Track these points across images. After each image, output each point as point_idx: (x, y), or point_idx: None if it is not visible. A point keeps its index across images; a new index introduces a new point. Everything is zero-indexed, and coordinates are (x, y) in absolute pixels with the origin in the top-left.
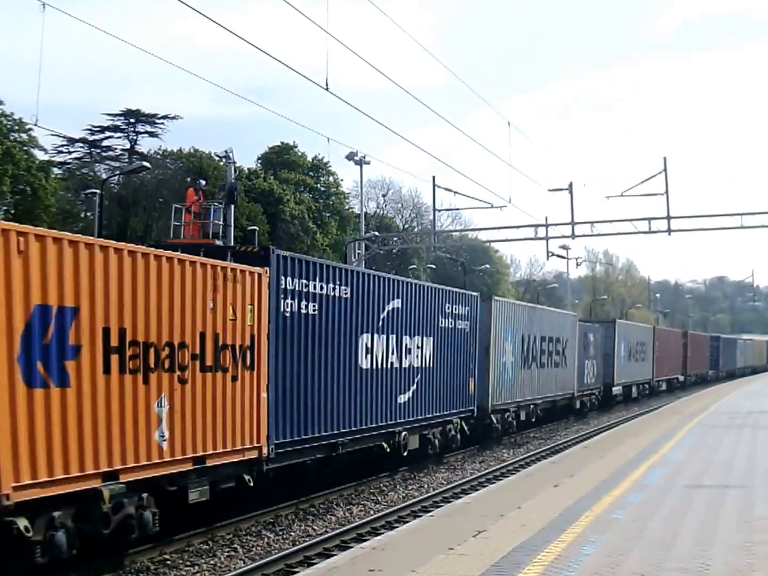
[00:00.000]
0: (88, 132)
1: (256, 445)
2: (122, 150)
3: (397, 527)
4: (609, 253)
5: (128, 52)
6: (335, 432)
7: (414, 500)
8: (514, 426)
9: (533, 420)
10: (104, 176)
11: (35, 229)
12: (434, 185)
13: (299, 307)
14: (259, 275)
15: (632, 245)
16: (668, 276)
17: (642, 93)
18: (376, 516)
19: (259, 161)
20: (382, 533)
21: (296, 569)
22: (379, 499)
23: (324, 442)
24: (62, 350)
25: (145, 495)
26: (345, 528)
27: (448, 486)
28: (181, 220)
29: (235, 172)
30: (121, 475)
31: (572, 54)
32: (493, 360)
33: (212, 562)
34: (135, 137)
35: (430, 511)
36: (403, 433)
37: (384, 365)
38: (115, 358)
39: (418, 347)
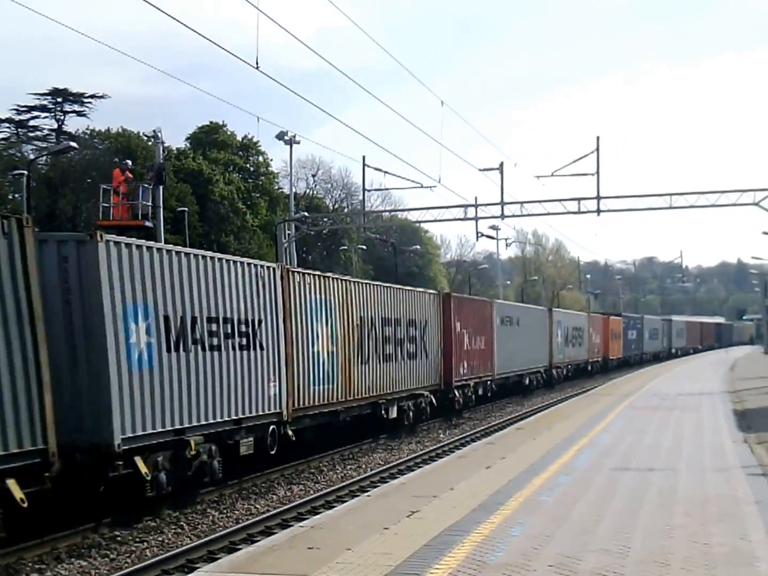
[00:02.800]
0: (15, 112)
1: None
2: (49, 130)
3: (335, 507)
4: (538, 234)
5: (53, 29)
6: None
7: (352, 480)
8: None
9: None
10: (32, 157)
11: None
12: (364, 165)
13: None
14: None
15: (562, 226)
16: (598, 257)
17: (576, 74)
18: (315, 495)
19: (188, 141)
20: (321, 512)
21: (239, 546)
22: (319, 478)
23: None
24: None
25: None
26: (286, 507)
27: (386, 466)
28: (110, 201)
29: (164, 152)
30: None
31: (508, 36)
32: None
33: (160, 538)
34: (62, 117)
35: (367, 491)
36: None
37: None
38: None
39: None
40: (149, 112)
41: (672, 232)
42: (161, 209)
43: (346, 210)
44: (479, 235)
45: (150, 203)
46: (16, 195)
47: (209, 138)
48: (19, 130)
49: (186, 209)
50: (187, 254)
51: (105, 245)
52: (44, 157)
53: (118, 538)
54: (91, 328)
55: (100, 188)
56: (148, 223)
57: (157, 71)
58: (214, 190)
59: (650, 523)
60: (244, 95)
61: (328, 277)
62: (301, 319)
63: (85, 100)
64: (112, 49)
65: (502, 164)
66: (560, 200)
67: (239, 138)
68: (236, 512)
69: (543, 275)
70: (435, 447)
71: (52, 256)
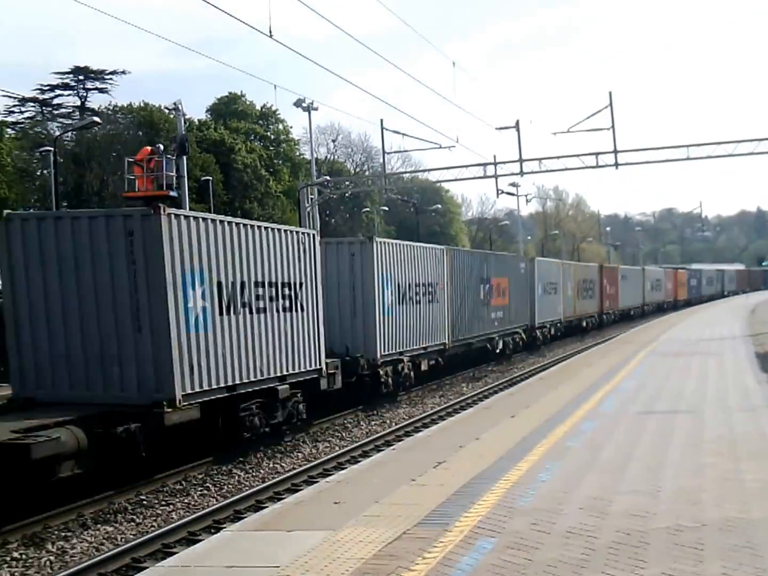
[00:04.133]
0: (38, 91)
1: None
2: (73, 107)
3: (361, 461)
4: (558, 189)
5: (70, 8)
6: None
7: (377, 435)
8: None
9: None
10: (57, 134)
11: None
12: (382, 128)
13: None
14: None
15: (581, 181)
16: (618, 210)
17: (587, 28)
18: (341, 452)
19: (209, 112)
20: (347, 467)
21: (266, 504)
22: (344, 435)
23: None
24: None
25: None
26: (312, 464)
27: (410, 420)
28: (134, 173)
29: (185, 123)
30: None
31: None
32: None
33: (186, 500)
34: (85, 94)
35: (392, 445)
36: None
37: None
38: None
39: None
40: (168, 87)
41: (691, 183)
42: (185, 179)
43: (367, 173)
44: (499, 192)
45: (174, 173)
46: (45, 171)
47: (229, 108)
48: (44, 108)
49: (210, 178)
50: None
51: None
52: (69, 134)
53: (144, 502)
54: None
55: (125, 161)
56: (172, 193)
57: (174, 45)
58: (236, 159)
59: (679, 463)
60: (260, 66)
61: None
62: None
63: (106, 76)
64: (129, 25)
65: (518, 122)
66: (578, 155)
67: (258, 107)
68: (262, 471)
69: (563, 230)
70: (458, 400)
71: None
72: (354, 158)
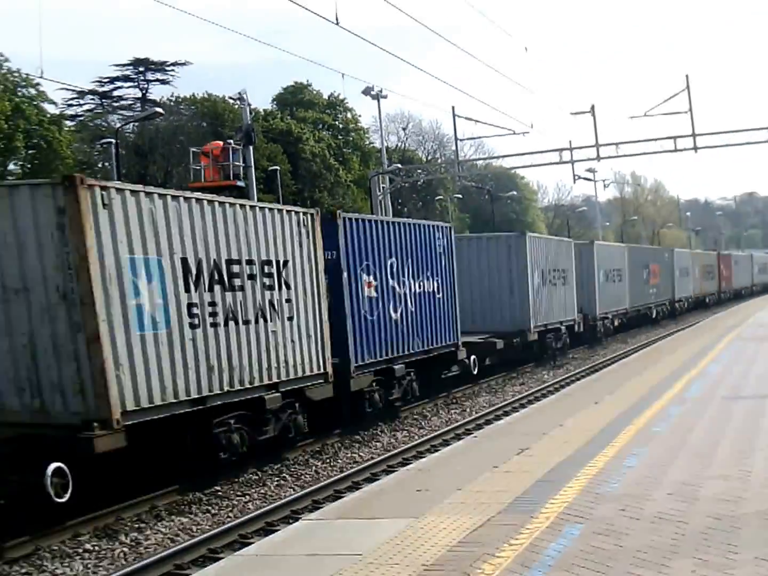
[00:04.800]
0: (98, 84)
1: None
2: (134, 99)
3: (441, 450)
4: (636, 174)
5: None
6: None
7: (456, 424)
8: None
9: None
10: (118, 126)
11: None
12: (454, 115)
13: None
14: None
15: (659, 165)
16: (697, 194)
17: (663, 12)
18: (420, 440)
19: (274, 102)
20: (427, 456)
21: (344, 494)
22: (423, 424)
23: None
24: None
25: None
26: (391, 453)
27: (490, 408)
28: (201, 164)
29: (251, 113)
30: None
31: None
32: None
33: (262, 491)
34: (146, 86)
35: (472, 433)
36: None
37: None
38: None
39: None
40: (232, 78)
41: None
42: (252, 169)
43: (439, 161)
44: (576, 178)
45: (241, 163)
46: (106, 163)
47: (295, 98)
48: (104, 101)
49: (277, 168)
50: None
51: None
52: (131, 126)
53: (219, 493)
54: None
55: (190, 152)
56: (239, 183)
57: (237, 36)
58: (304, 148)
59: None
60: (326, 54)
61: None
62: None
63: (168, 68)
64: (192, 17)
65: (593, 107)
66: (655, 139)
67: (325, 96)
68: (339, 461)
69: (642, 215)
70: (539, 387)
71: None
72: (425, 146)
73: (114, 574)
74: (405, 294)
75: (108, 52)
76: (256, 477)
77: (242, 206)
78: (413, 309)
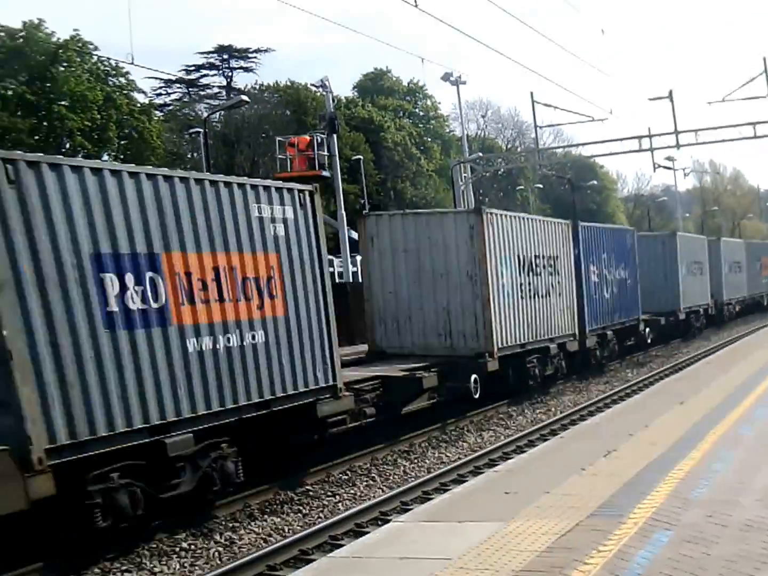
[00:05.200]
0: (184, 72)
1: None
2: (219, 87)
3: (528, 450)
4: (715, 163)
5: None
6: None
7: (542, 424)
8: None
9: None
10: (205, 115)
11: None
12: (533, 101)
13: None
14: None
15: (738, 153)
16: None
17: None
18: (506, 441)
19: (355, 89)
20: (513, 457)
21: (432, 495)
22: (508, 423)
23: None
24: None
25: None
26: (477, 454)
27: (575, 408)
28: (286, 154)
29: (333, 101)
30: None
31: None
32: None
33: (352, 491)
34: (230, 74)
35: (558, 434)
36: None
37: None
38: None
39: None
40: (312, 63)
41: None
42: (337, 158)
43: (519, 149)
44: (656, 166)
45: (326, 152)
46: (195, 153)
47: (375, 85)
48: (191, 89)
49: (360, 157)
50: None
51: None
52: (217, 115)
53: (311, 493)
54: None
55: (276, 141)
56: (325, 173)
57: (316, 20)
58: (386, 137)
59: None
60: (405, 38)
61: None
62: None
63: (251, 55)
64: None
65: (671, 92)
66: (735, 126)
67: (405, 83)
68: (427, 461)
69: (722, 206)
70: (623, 387)
71: None
72: (505, 134)
73: (209, 574)
74: (612, 280)
75: (195, 40)
76: (346, 477)
77: (542, 222)
78: (615, 291)
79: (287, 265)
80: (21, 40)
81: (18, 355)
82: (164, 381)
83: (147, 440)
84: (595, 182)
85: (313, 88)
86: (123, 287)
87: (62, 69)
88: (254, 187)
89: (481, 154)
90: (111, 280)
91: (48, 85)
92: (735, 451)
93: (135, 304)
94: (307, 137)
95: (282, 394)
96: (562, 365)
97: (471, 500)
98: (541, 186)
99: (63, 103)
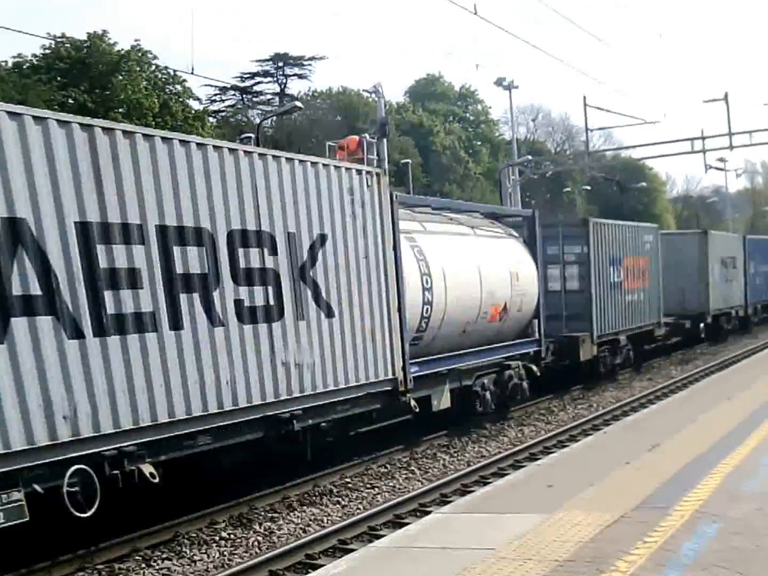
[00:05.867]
0: (239, 80)
1: None
2: (272, 94)
3: (570, 445)
4: (767, 164)
5: None
6: None
7: (584, 419)
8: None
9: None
10: (258, 121)
11: None
12: (585, 105)
13: None
14: None
15: None
16: None
17: None
18: (547, 435)
19: (407, 94)
20: (555, 451)
21: (472, 489)
22: (549, 419)
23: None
24: None
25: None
26: (518, 448)
27: (618, 404)
28: (336, 157)
29: (385, 106)
30: None
31: None
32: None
33: (391, 483)
34: (284, 80)
35: (601, 429)
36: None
37: None
38: None
39: None
40: (367, 70)
41: None
42: (386, 162)
43: (568, 152)
44: (707, 167)
45: (375, 157)
46: None
47: (427, 90)
48: (245, 96)
49: (409, 161)
50: None
51: None
52: (270, 120)
53: (350, 485)
54: None
55: (327, 146)
56: None
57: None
58: (435, 141)
59: None
60: (462, 43)
61: None
62: None
63: (305, 62)
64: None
65: (726, 94)
66: None
67: (456, 88)
68: (467, 455)
69: None
70: (667, 383)
71: None
72: (554, 137)
73: (248, 562)
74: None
75: (252, 48)
76: (385, 470)
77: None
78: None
79: None
80: (85, 51)
81: None
82: None
83: None
84: (644, 184)
85: (366, 94)
86: None
87: (121, 78)
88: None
89: (530, 157)
90: None
91: (107, 93)
92: None
93: None
94: (356, 137)
95: None
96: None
97: (512, 493)
98: (588, 188)
99: (120, 110)
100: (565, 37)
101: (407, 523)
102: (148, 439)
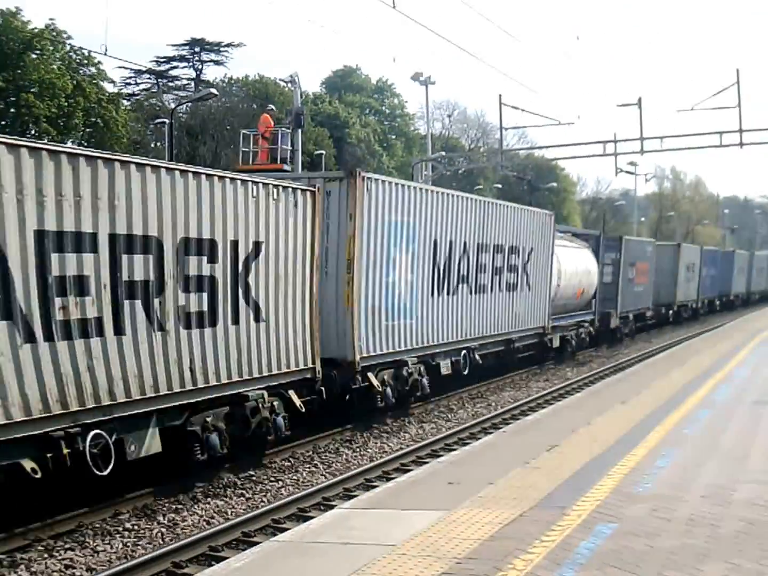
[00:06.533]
0: (155, 63)
1: None
2: (188, 80)
3: (471, 443)
4: (677, 170)
5: None
6: None
7: (483, 417)
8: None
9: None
10: (172, 106)
11: None
12: (500, 103)
13: None
14: None
15: (702, 161)
16: (738, 192)
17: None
18: (448, 433)
19: (324, 85)
20: (456, 449)
21: (375, 483)
22: (449, 417)
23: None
24: None
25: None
26: (419, 444)
27: (516, 404)
28: (250, 146)
29: (301, 96)
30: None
31: None
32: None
33: (295, 477)
34: (200, 66)
35: (500, 428)
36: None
37: None
38: None
39: None
40: (284, 60)
41: None
42: (299, 153)
43: (482, 149)
44: (618, 170)
45: (289, 147)
46: (158, 143)
47: (344, 82)
48: (159, 80)
49: (323, 152)
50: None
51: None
52: (184, 106)
53: (254, 478)
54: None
55: (240, 134)
56: (286, 167)
57: (290, 15)
58: (350, 133)
59: None
60: (379, 36)
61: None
62: None
63: (222, 48)
64: None
65: (640, 99)
66: (701, 134)
67: (374, 81)
68: (369, 451)
69: (679, 211)
70: (564, 384)
71: None
72: (469, 134)
73: (152, 553)
74: None
75: (167, 32)
76: (289, 463)
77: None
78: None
79: None
80: None
81: None
82: None
83: None
84: (555, 184)
85: (282, 84)
86: None
87: (34, 57)
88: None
89: (444, 153)
90: None
91: (19, 72)
92: (679, 449)
93: None
94: (268, 116)
95: None
96: None
97: (415, 489)
98: (500, 186)
99: (33, 90)
100: (484, 36)
101: (311, 517)
102: None
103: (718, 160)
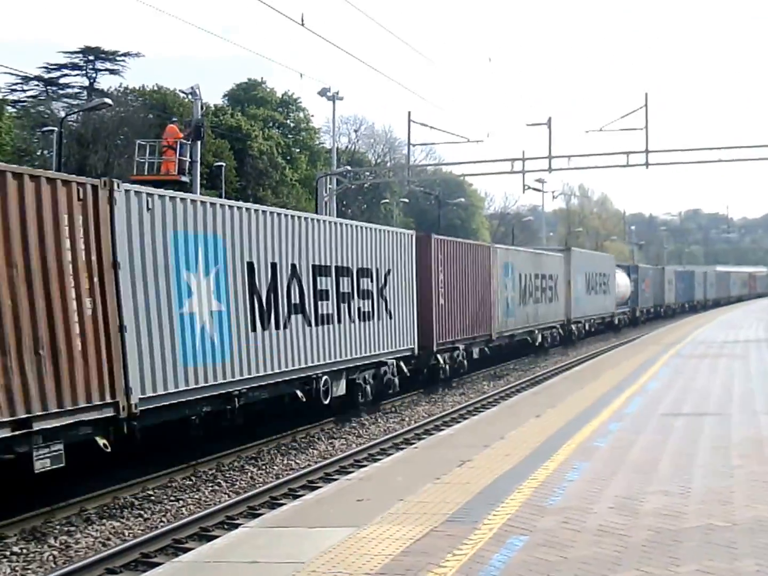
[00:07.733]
0: (44, 70)
1: None
2: (80, 88)
3: (381, 459)
4: (584, 187)
5: None
6: None
7: (396, 433)
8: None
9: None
10: (62, 114)
11: None
12: (409, 120)
13: None
14: None
15: (610, 179)
16: (643, 209)
17: (625, 26)
18: (358, 449)
19: (226, 98)
20: (367, 465)
21: (282, 501)
22: (361, 432)
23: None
24: None
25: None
26: (328, 461)
27: (430, 419)
28: (146, 156)
29: (202, 108)
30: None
31: None
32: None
33: (196, 496)
34: (94, 75)
35: (412, 443)
36: None
37: None
38: None
39: None
40: (187, 72)
41: (718, 185)
42: (198, 164)
43: (389, 164)
44: (525, 187)
45: (187, 158)
46: (45, 151)
47: (248, 95)
48: (49, 88)
49: (223, 164)
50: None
51: None
52: (75, 114)
53: (152, 498)
54: None
55: (135, 144)
56: (183, 178)
57: (195, 29)
58: (252, 146)
59: (708, 464)
60: (289, 53)
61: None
62: None
63: (118, 58)
64: (148, 6)
65: (549, 119)
66: (608, 154)
67: (279, 95)
68: (275, 468)
69: (587, 227)
70: (480, 398)
71: None
72: (376, 149)
73: None
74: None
75: (58, 38)
76: (190, 482)
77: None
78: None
79: None
80: None
81: None
82: None
83: None
84: (463, 199)
85: (182, 95)
86: None
87: None
88: None
89: (349, 167)
90: None
91: None
92: (589, 462)
93: None
94: (174, 126)
95: None
96: None
97: (323, 507)
98: (406, 200)
99: None
100: (394, 53)
101: (215, 536)
102: None
103: (625, 178)
